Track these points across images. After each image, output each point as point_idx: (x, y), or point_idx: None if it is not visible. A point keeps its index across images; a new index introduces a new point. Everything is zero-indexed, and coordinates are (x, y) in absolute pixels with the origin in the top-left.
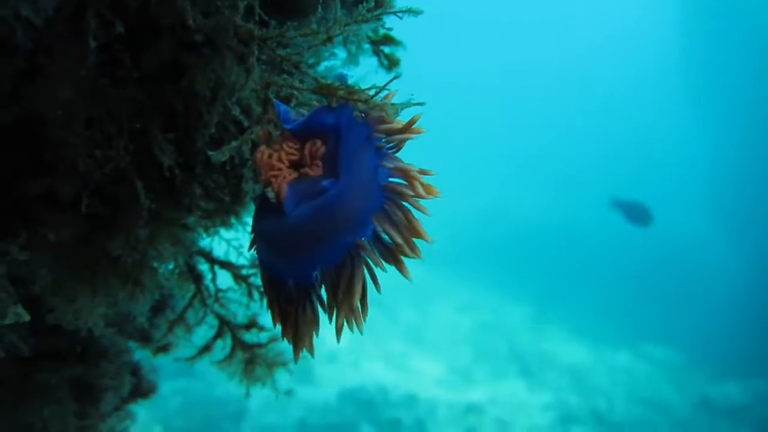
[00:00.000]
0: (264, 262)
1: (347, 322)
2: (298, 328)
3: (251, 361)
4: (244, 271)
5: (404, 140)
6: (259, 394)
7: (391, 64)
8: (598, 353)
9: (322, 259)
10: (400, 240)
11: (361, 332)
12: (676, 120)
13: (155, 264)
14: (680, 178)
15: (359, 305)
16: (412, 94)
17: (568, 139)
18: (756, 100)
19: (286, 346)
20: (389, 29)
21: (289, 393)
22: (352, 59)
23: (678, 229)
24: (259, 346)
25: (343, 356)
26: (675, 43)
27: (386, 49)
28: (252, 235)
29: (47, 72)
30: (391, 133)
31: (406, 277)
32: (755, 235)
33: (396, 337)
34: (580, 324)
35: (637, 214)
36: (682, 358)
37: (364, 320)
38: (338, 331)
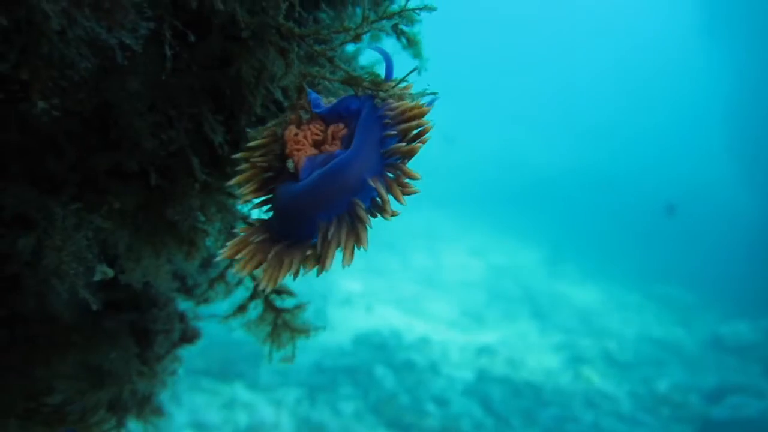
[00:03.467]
0: (274, 230)
1: (323, 264)
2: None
3: (278, 325)
4: None
5: (410, 119)
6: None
7: (410, 43)
8: (609, 295)
9: (323, 219)
10: (385, 196)
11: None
12: (694, 60)
13: (206, 227)
14: (696, 119)
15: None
16: (428, 85)
17: (582, 83)
18: None
19: (323, 306)
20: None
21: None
22: (375, 37)
23: (691, 169)
24: (287, 311)
25: (357, 300)
26: None
27: (406, 28)
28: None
29: (121, 68)
30: (398, 111)
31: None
32: None
33: (409, 281)
34: (591, 266)
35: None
36: (692, 298)
37: (348, 263)
38: (321, 269)
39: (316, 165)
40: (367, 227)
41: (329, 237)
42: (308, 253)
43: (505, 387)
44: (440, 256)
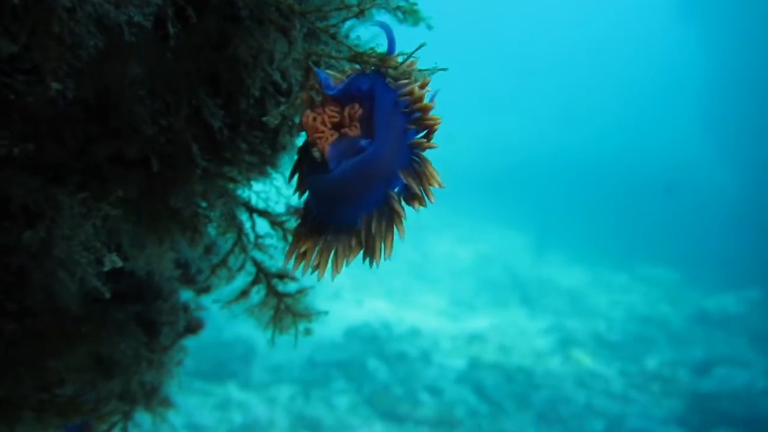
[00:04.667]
0: (314, 213)
1: (373, 257)
2: (337, 259)
3: (280, 309)
4: (280, 218)
5: (420, 101)
6: (266, 335)
7: (406, 15)
8: (596, 277)
9: (362, 207)
10: (418, 191)
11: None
12: (670, 40)
13: (208, 213)
14: (674, 96)
15: (384, 244)
16: (436, 63)
17: (559, 67)
18: (751, 14)
19: (312, 300)
20: None
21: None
22: (369, 16)
23: (672, 148)
24: (289, 296)
25: (347, 294)
26: None
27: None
28: (294, 184)
29: (121, 52)
30: (410, 96)
31: (422, 205)
32: (748, 149)
33: (398, 273)
34: (577, 249)
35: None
36: (677, 275)
37: (389, 255)
38: (372, 261)
39: (341, 152)
40: (403, 219)
41: (372, 231)
42: (353, 242)
43: (497, 373)
44: (427, 247)
